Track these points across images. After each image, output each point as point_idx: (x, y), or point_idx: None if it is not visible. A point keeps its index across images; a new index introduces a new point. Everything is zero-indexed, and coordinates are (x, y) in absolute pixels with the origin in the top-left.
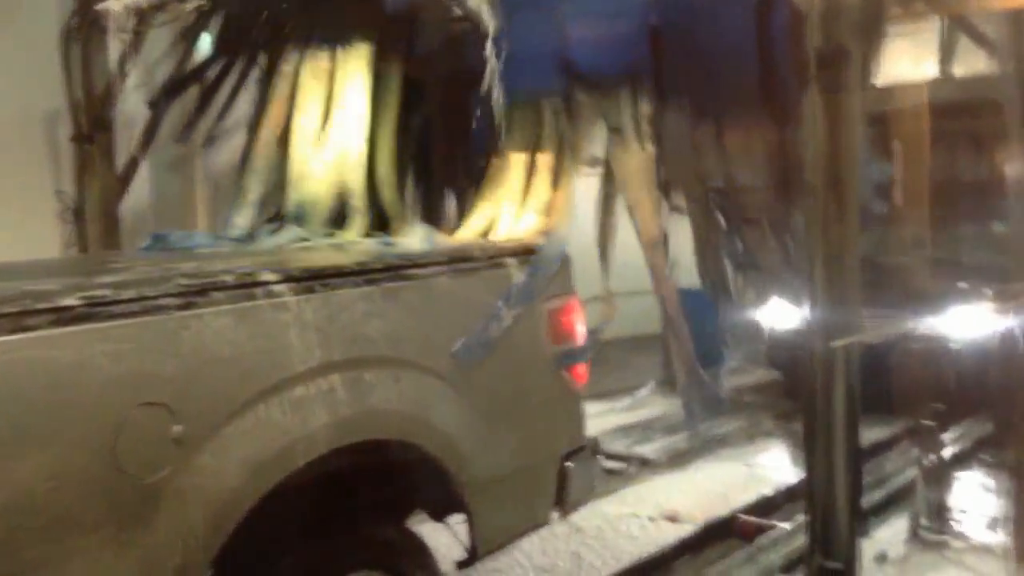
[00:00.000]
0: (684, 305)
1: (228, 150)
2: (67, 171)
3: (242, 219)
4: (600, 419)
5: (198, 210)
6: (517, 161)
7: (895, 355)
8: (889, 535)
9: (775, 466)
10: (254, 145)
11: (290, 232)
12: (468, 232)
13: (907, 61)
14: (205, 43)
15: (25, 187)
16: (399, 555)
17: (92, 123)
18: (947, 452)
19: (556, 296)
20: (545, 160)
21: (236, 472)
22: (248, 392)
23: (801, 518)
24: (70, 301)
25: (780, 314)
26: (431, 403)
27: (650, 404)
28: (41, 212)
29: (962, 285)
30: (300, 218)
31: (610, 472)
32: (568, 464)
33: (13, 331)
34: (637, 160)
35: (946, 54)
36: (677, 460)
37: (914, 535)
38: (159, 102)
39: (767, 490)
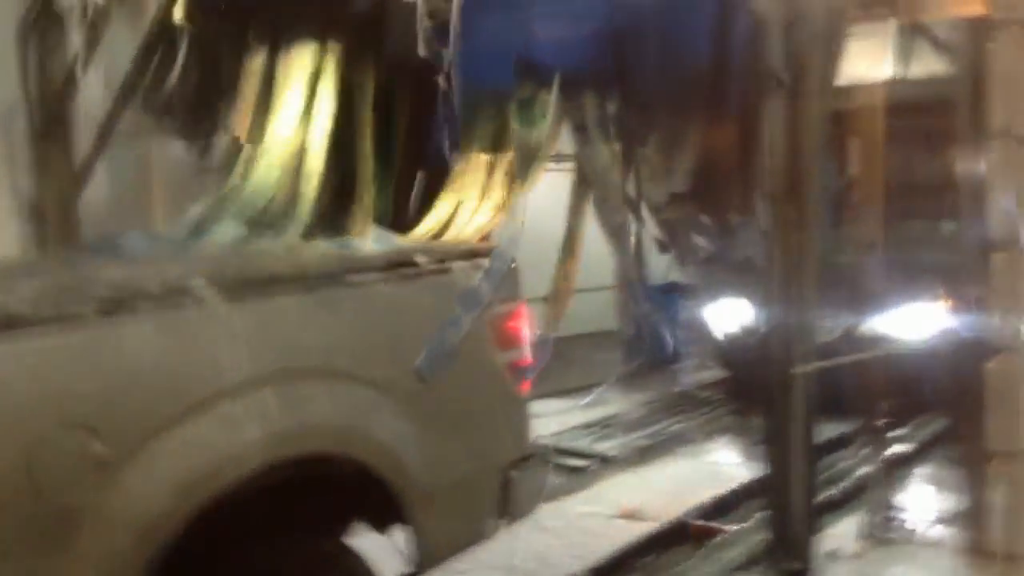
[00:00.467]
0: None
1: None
2: (24, 168)
3: (195, 218)
4: (561, 416)
5: (155, 208)
6: (477, 160)
7: (848, 355)
8: (844, 532)
9: (732, 463)
10: (214, 142)
11: (235, 232)
12: (422, 232)
13: (864, 62)
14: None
15: None
16: (338, 569)
17: (49, 119)
18: (899, 449)
19: (501, 300)
20: (504, 159)
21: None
22: (174, 408)
23: (757, 516)
24: None
25: (730, 313)
26: (368, 414)
27: (610, 401)
28: None
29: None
30: (250, 217)
31: (572, 470)
32: (513, 473)
33: None
34: (604, 157)
35: (903, 56)
36: (637, 457)
37: (869, 532)
38: (119, 98)
39: (725, 488)
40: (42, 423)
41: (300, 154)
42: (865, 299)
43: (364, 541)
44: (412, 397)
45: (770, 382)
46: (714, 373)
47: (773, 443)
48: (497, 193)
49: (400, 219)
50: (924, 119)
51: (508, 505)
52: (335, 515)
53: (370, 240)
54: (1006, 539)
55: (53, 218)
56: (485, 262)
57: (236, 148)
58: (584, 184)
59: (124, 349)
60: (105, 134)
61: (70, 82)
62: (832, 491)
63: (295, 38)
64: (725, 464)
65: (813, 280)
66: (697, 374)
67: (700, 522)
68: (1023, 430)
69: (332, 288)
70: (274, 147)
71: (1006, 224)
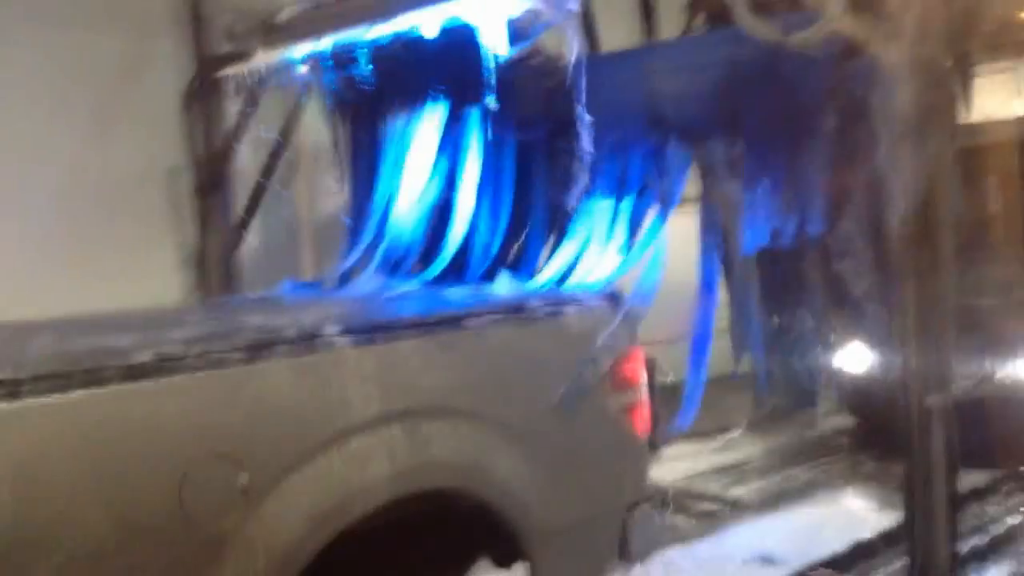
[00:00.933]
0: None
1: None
2: (187, 223)
3: (346, 268)
4: (692, 460)
5: (304, 258)
6: (604, 208)
7: (988, 401)
8: None
9: (869, 510)
10: (363, 198)
11: (382, 281)
12: (550, 278)
13: (997, 98)
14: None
15: (145, 238)
16: None
17: (211, 178)
18: None
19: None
20: (629, 206)
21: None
22: (310, 443)
23: (896, 565)
24: (142, 357)
25: (859, 359)
26: (492, 453)
27: (742, 445)
28: (159, 261)
29: None
30: (395, 266)
31: (703, 514)
32: (632, 515)
33: (87, 385)
34: (735, 195)
35: None
36: (770, 503)
37: None
38: (271, 162)
39: (863, 533)
40: (193, 454)
41: (441, 207)
42: (1003, 343)
43: None
44: (532, 437)
45: (908, 421)
46: (846, 418)
47: (913, 486)
48: (622, 239)
49: (530, 265)
50: None
51: (627, 546)
52: (458, 552)
53: (500, 286)
54: None
55: (214, 269)
56: (625, 306)
57: (379, 202)
58: (714, 224)
59: (265, 388)
60: (260, 192)
61: (228, 145)
62: (976, 540)
63: (433, 100)
64: (861, 511)
65: (949, 324)
66: (830, 419)
67: (826, 571)
68: None
69: (454, 331)
70: (417, 201)
71: None
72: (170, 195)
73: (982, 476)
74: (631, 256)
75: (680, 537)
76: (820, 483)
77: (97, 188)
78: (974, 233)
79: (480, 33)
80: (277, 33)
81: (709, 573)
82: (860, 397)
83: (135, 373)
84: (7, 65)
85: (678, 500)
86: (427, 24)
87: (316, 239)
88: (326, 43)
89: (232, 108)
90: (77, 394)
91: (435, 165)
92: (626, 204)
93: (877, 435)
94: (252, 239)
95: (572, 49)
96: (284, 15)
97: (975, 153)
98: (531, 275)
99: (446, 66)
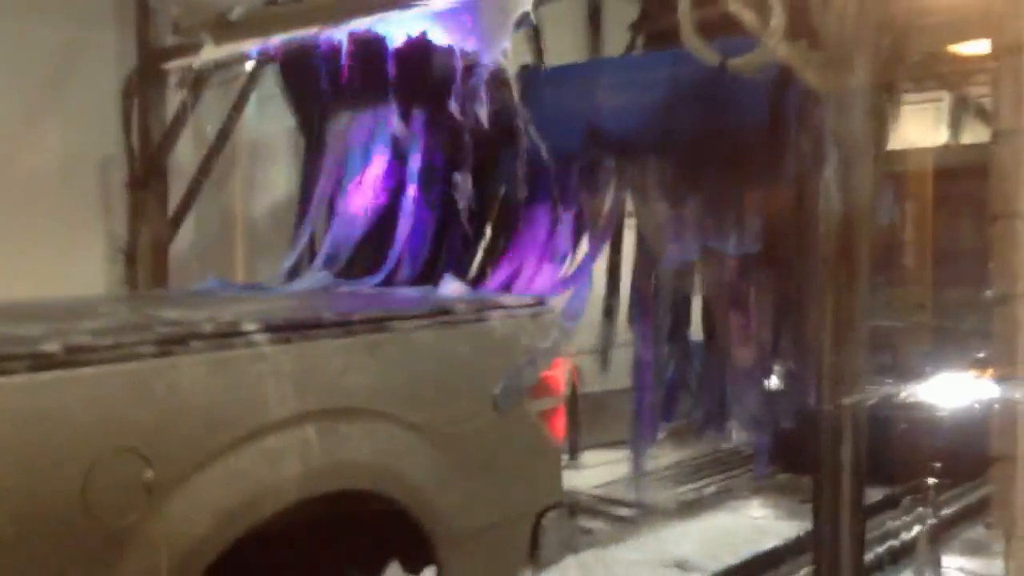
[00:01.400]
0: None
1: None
2: (118, 214)
3: (289, 265)
4: (612, 467)
5: (237, 256)
6: (544, 218)
7: (892, 419)
8: None
9: (779, 519)
10: (306, 197)
11: (320, 278)
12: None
13: (919, 128)
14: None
15: (74, 227)
16: None
17: (147, 171)
18: (947, 512)
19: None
20: (568, 217)
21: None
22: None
23: (804, 572)
24: (50, 348)
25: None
26: (406, 455)
27: (661, 453)
28: (88, 251)
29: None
30: (335, 263)
31: (618, 519)
32: (543, 520)
33: None
34: (660, 217)
35: (955, 124)
36: (687, 509)
37: None
38: (210, 157)
39: (773, 542)
40: (98, 447)
41: (387, 208)
42: (908, 364)
43: None
44: (448, 441)
45: (821, 426)
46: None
47: (822, 495)
48: (562, 250)
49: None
50: (972, 184)
51: (538, 551)
52: (370, 554)
53: (445, 289)
54: None
55: (145, 262)
56: (527, 313)
57: (323, 202)
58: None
59: (176, 383)
60: (197, 186)
61: (168, 138)
62: (880, 550)
63: (379, 103)
64: (772, 519)
65: (863, 342)
66: (743, 431)
67: None
68: None
69: (374, 332)
70: (360, 201)
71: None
72: (102, 186)
73: (884, 491)
74: (571, 269)
75: (597, 542)
76: (733, 493)
77: (28, 176)
78: (884, 256)
79: (428, 41)
80: (228, 29)
81: None
82: (774, 409)
83: (42, 363)
84: None
85: (596, 505)
86: (375, 29)
87: (249, 236)
88: (276, 42)
89: (173, 101)
90: None
91: (381, 167)
92: (565, 215)
93: (784, 448)
94: (185, 233)
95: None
96: (236, 12)
97: (895, 179)
98: (475, 280)
99: (394, 71)
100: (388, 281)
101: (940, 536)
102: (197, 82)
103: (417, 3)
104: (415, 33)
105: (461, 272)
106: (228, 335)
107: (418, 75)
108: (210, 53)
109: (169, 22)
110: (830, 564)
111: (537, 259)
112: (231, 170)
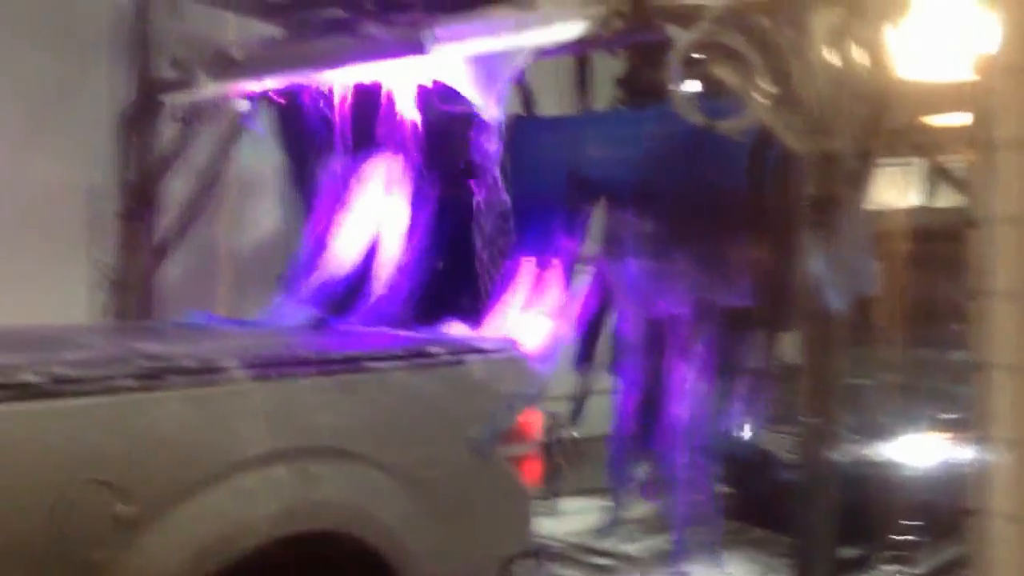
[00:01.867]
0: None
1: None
2: (106, 243)
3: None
4: (584, 516)
5: (221, 289)
6: (527, 264)
7: (862, 477)
8: None
9: (754, 573)
10: (295, 235)
11: (305, 315)
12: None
13: (892, 190)
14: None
15: (62, 255)
16: None
17: (139, 201)
18: (917, 571)
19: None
20: (553, 266)
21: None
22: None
23: None
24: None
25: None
26: (380, 497)
27: (635, 503)
28: (75, 279)
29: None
30: (322, 301)
31: (595, 568)
32: (513, 566)
33: None
34: (630, 270)
35: (928, 189)
36: (661, 559)
37: None
38: (201, 190)
39: None
40: (73, 479)
41: (372, 249)
42: (876, 423)
43: None
44: (422, 484)
45: (798, 485)
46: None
47: (800, 550)
48: (544, 297)
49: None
50: (943, 246)
51: None
52: None
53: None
54: None
55: (132, 291)
56: (501, 357)
57: (312, 241)
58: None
59: (153, 417)
60: (187, 218)
61: (160, 169)
62: None
63: (372, 147)
64: (746, 574)
65: (841, 399)
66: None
67: None
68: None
69: (352, 372)
70: (349, 241)
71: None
72: (91, 215)
73: (854, 550)
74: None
75: None
76: (708, 546)
77: (17, 202)
78: (856, 314)
79: (424, 88)
80: (227, 67)
81: None
82: (739, 466)
83: (20, 393)
84: None
85: (571, 553)
86: (370, 76)
87: (235, 270)
88: (274, 82)
89: (167, 133)
90: None
91: (371, 209)
92: (547, 263)
93: (751, 503)
94: (171, 265)
95: (502, 112)
96: (237, 51)
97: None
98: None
99: (389, 117)
100: (371, 320)
101: None
102: (192, 116)
103: (415, 53)
104: (411, 82)
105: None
106: (206, 371)
107: (412, 121)
108: (208, 89)
109: (166, 55)
110: None
111: (520, 305)
112: (219, 203)
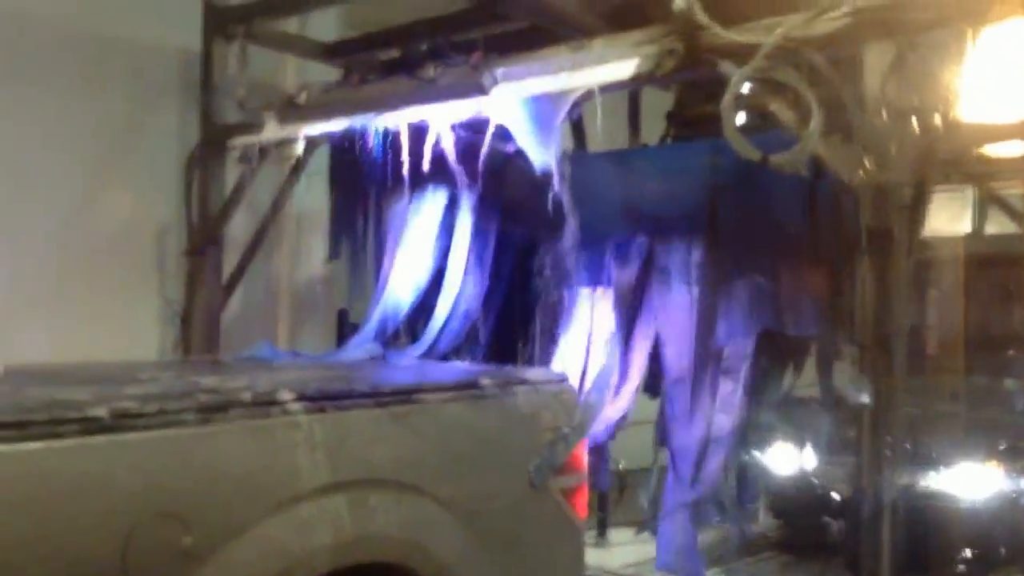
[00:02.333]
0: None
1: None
2: (174, 280)
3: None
4: (635, 547)
5: (279, 324)
6: (583, 296)
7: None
8: None
9: None
10: (353, 271)
11: (367, 348)
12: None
13: (945, 216)
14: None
15: (132, 292)
16: None
17: (205, 239)
18: None
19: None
20: (605, 296)
21: None
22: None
23: None
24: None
25: (784, 460)
26: (434, 529)
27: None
28: (145, 316)
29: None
30: (384, 334)
31: None
32: None
33: (39, 437)
34: (678, 300)
35: (980, 215)
36: None
37: None
38: (263, 228)
39: None
40: (140, 512)
41: (433, 284)
42: (932, 452)
43: None
44: (474, 515)
45: (862, 520)
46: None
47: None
48: (599, 329)
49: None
50: (997, 273)
51: None
52: None
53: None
54: None
55: (198, 327)
56: (551, 389)
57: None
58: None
59: (215, 450)
60: (250, 255)
61: (226, 208)
62: None
63: (428, 186)
64: None
65: (901, 429)
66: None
67: None
68: None
69: (406, 404)
70: (410, 278)
71: None
72: (159, 253)
73: None
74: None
75: None
76: None
77: (90, 240)
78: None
79: (480, 130)
80: (292, 111)
81: None
82: (786, 499)
83: (89, 427)
84: (26, 125)
85: None
86: (432, 117)
87: (294, 305)
88: (337, 125)
89: (232, 174)
90: (28, 445)
91: (432, 247)
92: (602, 295)
93: (801, 536)
94: (234, 300)
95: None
96: (302, 96)
97: (922, 266)
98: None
99: (447, 156)
100: (432, 354)
101: None
102: (254, 157)
103: (475, 95)
104: (470, 121)
105: (507, 347)
106: (264, 404)
107: (473, 161)
108: (272, 132)
109: (231, 99)
110: None
111: (577, 336)
112: (279, 241)
